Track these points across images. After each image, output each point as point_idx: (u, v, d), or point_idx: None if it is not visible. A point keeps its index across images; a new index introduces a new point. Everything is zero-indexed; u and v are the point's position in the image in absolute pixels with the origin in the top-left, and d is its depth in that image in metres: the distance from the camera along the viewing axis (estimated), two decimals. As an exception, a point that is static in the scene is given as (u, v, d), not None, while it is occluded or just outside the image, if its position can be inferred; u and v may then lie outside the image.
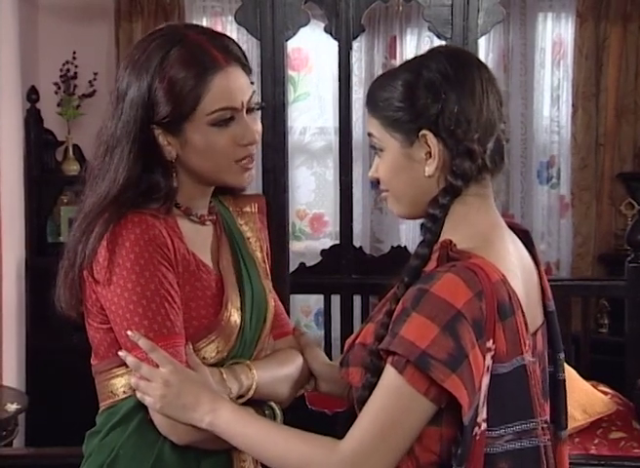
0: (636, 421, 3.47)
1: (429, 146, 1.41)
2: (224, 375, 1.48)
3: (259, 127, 1.53)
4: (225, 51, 1.47)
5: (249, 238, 1.64)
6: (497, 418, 1.33)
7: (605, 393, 3.58)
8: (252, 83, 1.52)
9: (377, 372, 1.35)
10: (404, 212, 1.49)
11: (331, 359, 1.71)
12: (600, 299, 5.10)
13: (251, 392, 1.50)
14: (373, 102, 1.47)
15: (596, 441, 3.32)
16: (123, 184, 1.45)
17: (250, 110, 1.50)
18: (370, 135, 1.49)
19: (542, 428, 1.39)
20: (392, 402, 1.30)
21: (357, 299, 4.10)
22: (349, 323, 3.95)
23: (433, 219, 1.42)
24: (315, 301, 5.00)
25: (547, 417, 1.43)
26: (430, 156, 1.41)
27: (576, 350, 3.92)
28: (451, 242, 1.37)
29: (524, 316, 1.37)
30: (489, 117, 1.43)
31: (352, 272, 3.98)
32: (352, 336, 1.50)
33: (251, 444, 1.40)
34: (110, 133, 1.48)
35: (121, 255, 1.41)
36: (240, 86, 1.48)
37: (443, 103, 1.40)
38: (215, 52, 1.45)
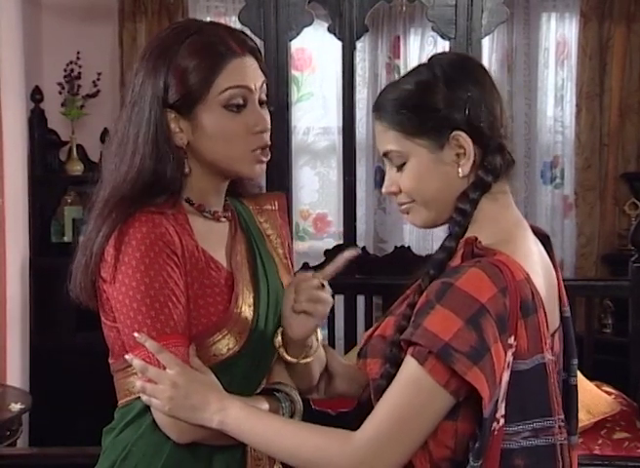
0: (640, 421, 3.47)
1: (462, 147, 1.40)
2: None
3: (269, 118, 1.53)
4: (242, 42, 1.50)
5: (269, 235, 1.65)
6: (515, 415, 1.34)
7: (609, 393, 3.58)
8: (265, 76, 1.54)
9: (396, 363, 1.35)
10: (432, 219, 1.47)
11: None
12: (604, 299, 5.08)
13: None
14: (388, 115, 1.44)
15: (600, 441, 3.32)
16: (139, 169, 1.46)
17: (261, 103, 1.52)
18: (387, 153, 1.45)
19: (559, 427, 1.40)
20: (411, 393, 1.30)
21: (361, 299, 4.10)
22: (353, 323, 3.95)
23: (463, 214, 1.41)
24: (319, 301, 4.99)
25: (564, 416, 1.43)
26: (465, 155, 1.40)
27: (579, 350, 3.89)
28: (476, 239, 1.37)
29: (545, 315, 1.38)
30: (504, 111, 1.44)
31: (356, 272, 3.98)
32: (371, 329, 1.51)
33: (262, 440, 1.39)
34: (127, 117, 1.50)
35: (127, 254, 1.41)
36: (253, 71, 1.51)
37: (469, 102, 1.40)
38: (231, 42, 1.49)
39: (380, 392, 1.35)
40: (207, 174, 1.52)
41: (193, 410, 1.39)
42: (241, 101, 1.48)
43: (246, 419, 1.38)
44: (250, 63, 1.50)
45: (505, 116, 1.45)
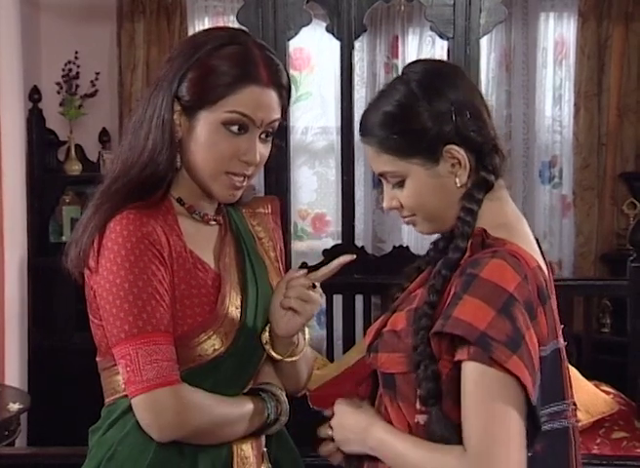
0: (638, 421, 3.46)
1: (456, 158, 1.42)
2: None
3: (266, 151, 1.54)
4: (273, 74, 1.50)
5: (261, 238, 1.66)
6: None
7: (607, 393, 3.58)
8: (282, 116, 1.54)
9: (432, 359, 1.34)
10: (437, 227, 1.49)
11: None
12: (602, 299, 5.09)
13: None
14: (377, 141, 1.45)
15: (598, 441, 3.32)
16: (151, 152, 1.48)
17: (267, 134, 1.53)
18: (382, 174, 1.47)
19: (572, 409, 1.43)
20: (493, 391, 1.29)
21: (359, 299, 4.10)
22: (351, 322, 3.95)
23: (470, 213, 1.43)
24: (317, 301, 4.99)
25: (574, 399, 1.45)
26: (460, 166, 1.42)
27: (578, 350, 3.91)
28: (485, 230, 1.39)
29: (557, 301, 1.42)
30: (490, 111, 1.46)
31: (354, 272, 3.98)
32: (375, 325, 1.51)
33: (397, 458, 1.40)
34: (147, 97, 1.52)
35: (112, 251, 1.43)
36: (268, 106, 1.50)
37: (454, 111, 1.41)
38: (262, 69, 1.48)
39: (433, 396, 1.34)
40: (192, 179, 1.53)
41: (351, 443, 1.46)
42: (241, 124, 1.48)
43: (388, 439, 1.41)
44: (268, 97, 1.50)
45: (492, 115, 1.47)
